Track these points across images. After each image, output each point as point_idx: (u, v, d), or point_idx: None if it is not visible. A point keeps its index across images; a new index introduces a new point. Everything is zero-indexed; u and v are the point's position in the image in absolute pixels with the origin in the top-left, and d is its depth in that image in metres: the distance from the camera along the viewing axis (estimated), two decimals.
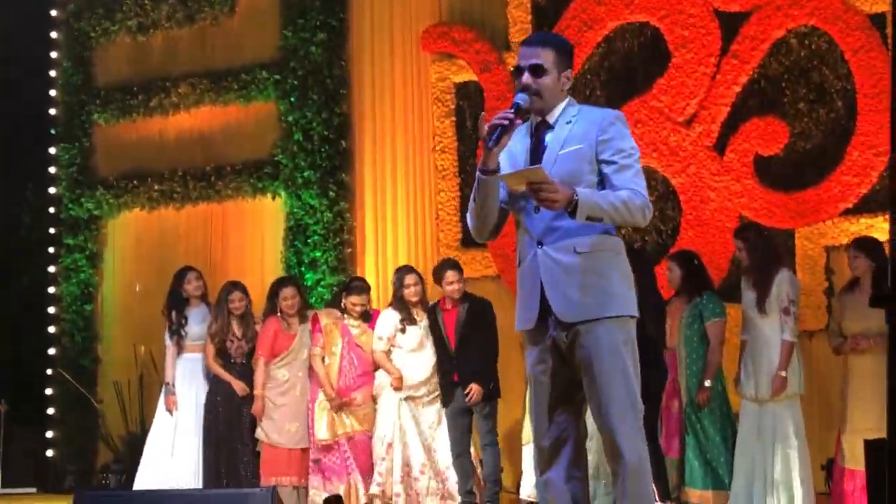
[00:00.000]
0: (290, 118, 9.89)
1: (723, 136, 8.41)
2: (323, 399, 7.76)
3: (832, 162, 8.07)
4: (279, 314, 7.97)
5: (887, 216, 7.80)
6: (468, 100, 9.39)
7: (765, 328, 6.92)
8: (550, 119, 4.03)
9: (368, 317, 8.00)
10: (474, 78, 9.31)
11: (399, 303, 7.75)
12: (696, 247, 8.20)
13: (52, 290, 10.84)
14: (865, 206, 7.95)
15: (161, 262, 10.32)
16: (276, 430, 7.86)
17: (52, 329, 10.78)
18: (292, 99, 9.90)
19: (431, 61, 9.52)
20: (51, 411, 10.71)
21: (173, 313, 8.22)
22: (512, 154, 4.03)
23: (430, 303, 7.82)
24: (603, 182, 3.92)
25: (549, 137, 3.99)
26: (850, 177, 7.97)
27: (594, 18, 8.82)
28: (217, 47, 10.51)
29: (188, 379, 8.18)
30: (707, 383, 7.01)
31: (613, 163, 3.91)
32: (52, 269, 10.88)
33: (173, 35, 10.70)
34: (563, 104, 4.05)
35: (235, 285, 8.18)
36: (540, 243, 3.94)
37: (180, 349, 8.18)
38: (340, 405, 7.71)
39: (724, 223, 8.30)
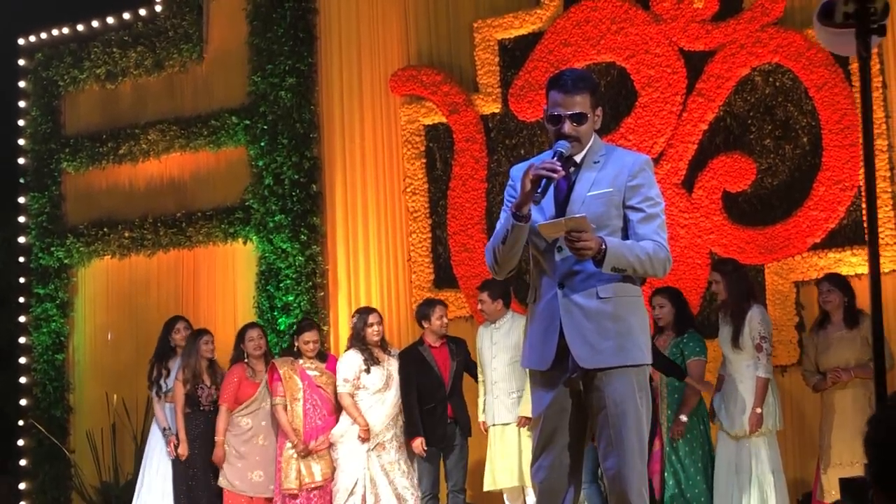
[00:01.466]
0: (261, 163, 9.90)
1: (690, 174, 8.48)
2: (289, 448, 7.74)
3: (799, 197, 8.15)
4: (245, 360, 8.00)
5: (855, 250, 7.88)
6: (438, 142, 9.43)
7: (739, 364, 6.95)
8: (577, 157, 4.03)
9: (324, 357, 8.04)
10: (443, 120, 9.36)
11: (361, 343, 7.72)
12: (666, 283, 8.24)
13: (22, 340, 10.76)
14: (833, 241, 8.02)
15: (133, 309, 10.31)
16: (238, 477, 7.89)
17: (23, 379, 10.69)
18: (262, 144, 9.91)
19: (401, 104, 9.57)
20: (23, 462, 10.60)
21: (154, 365, 8.35)
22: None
23: (389, 345, 7.93)
24: (626, 226, 3.95)
25: (575, 177, 3.99)
26: (818, 212, 8.05)
27: (561, 59, 8.90)
28: (186, 94, 10.53)
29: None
30: (682, 418, 7.02)
31: (641, 210, 3.95)
32: (22, 318, 10.80)
33: (142, 82, 10.72)
34: (589, 142, 4.05)
35: (205, 331, 8.33)
36: (561, 285, 3.95)
37: (159, 398, 8.31)
38: (307, 452, 7.68)
39: (694, 259, 8.35)
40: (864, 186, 2.88)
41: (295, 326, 8.34)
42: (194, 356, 8.14)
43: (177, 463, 8.11)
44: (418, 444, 7.51)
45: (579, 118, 3.97)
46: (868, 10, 2.84)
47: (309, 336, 7.90)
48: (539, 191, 3.79)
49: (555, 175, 3.78)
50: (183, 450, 8.04)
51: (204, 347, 8.17)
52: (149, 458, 8.36)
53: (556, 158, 3.84)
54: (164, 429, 8.22)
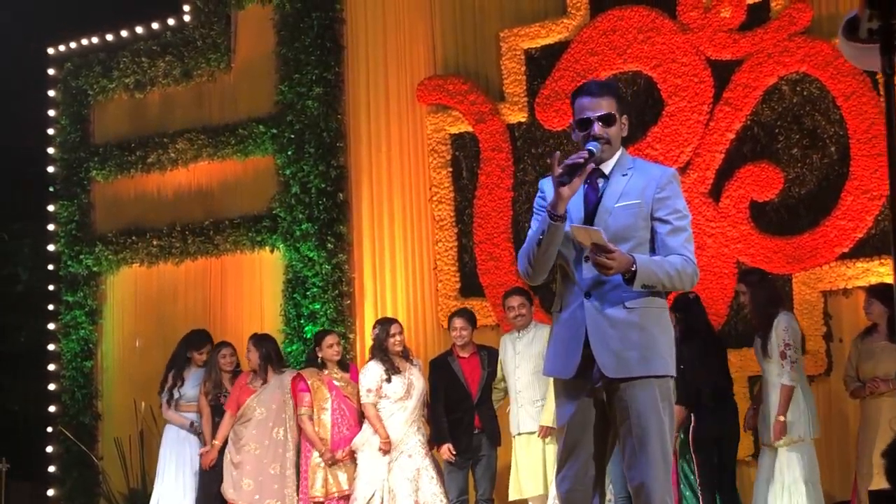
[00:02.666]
0: (288, 171, 9.94)
1: (718, 183, 8.46)
2: (316, 457, 7.80)
3: (827, 207, 8.11)
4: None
5: (883, 260, 7.84)
6: (464, 150, 9.45)
7: (770, 373, 6.97)
8: (605, 168, 4.07)
9: (346, 366, 8.14)
10: (470, 129, 9.38)
11: (382, 353, 7.78)
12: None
13: (51, 347, 10.84)
14: (861, 251, 7.98)
15: (160, 317, 10.37)
16: (232, 485, 8.02)
17: (52, 386, 10.77)
18: (289, 152, 9.96)
19: (427, 113, 9.59)
20: (52, 469, 10.67)
21: (172, 374, 8.55)
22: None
23: (411, 353, 8.02)
24: (653, 238, 3.98)
25: (604, 188, 4.02)
26: (846, 221, 8.01)
27: (587, 69, 8.90)
28: (214, 103, 10.59)
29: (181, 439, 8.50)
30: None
31: (668, 223, 3.98)
32: (51, 326, 10.88)
33: (170, 92, 10.79)
34: (617, 154, 4.09)
35: (224, 344, 8.54)
36: (588, 294, 3.97)
37: (170, 406, 8.53)
38: (334, 461, 7.74)
39: (721, 269, 8.33)
40: (889, 200, 2.86)
41: (315, 338, 8.39)
42: (215, 369, 8.38)
43: (210, 470, 8.25)
44: (445, 449, 7.55)
45: (608, 119, 4.02)
46: (893, 25, 2.82)
47: (331, 339, 8.03)
48: (565, 177, 3.84)
49: (581, 161, 3.84)
50: (213, 456, 8.20)
51: (222, 361, 8.39)
52: (166, 466, 8.50)
53: (588, 154, 3.90)
54: (192, 423, 8.41)
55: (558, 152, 4.03)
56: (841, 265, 8.04)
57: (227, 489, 8.03)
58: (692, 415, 7.04)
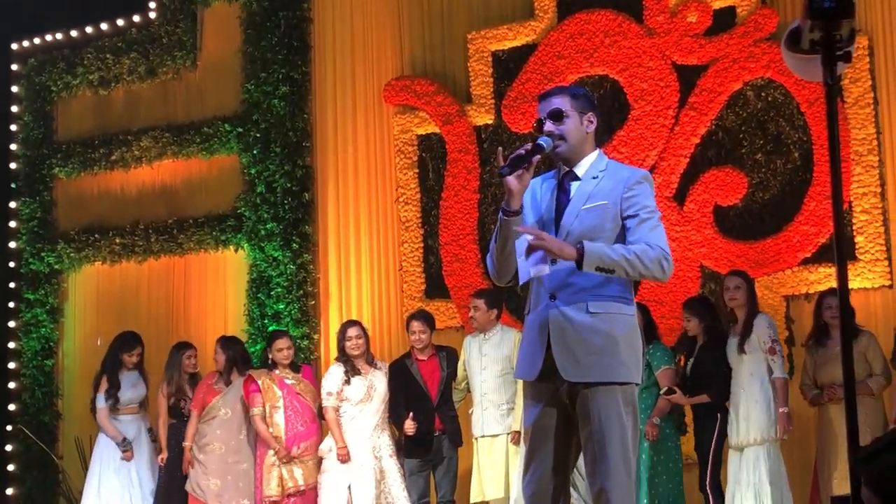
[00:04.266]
0: (253, 171, 9.90)
1: (682, 187, 8.51)
2: (271, 455, 7.79)
3: (790, 212, 8.18)
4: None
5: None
6: (430, 152, 9.45)
7: (741, 372, 7.00)
8: (578, 171, 4.06)
9: (297, 367, 8.14)
10: (437, 130, 9.38)
11: (342, 355, 7.81)
12: (657, 297, 8.29)
13: (12, 345, 10.73)
14: (824, 256, 8.05)
15: (123, 316, 10.26)
16: (198, 482, 8.05)
17: (12, 384, 10.66)
18: (255, 152, 9.91)
19: (394, 113, 9.59)
20: (11, 468, 10.55)
21: (107, 378, 8.48)
22: (536, 201, 4.06)
23: (374, 357, 7.99)
24: (624, 237, 3.96)
25: (574, 190, 4.01)
26: (809, 226, 8.08)
27: (554, 71, 8.93)
28: (179, 101, 10.52)
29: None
30: (655, 420, 7.06)
31: (634, 216, 3.95)
32: (12, 323, 10.77)
33: (135, 89, 10.71)
34: (592, 156, 4.09)
35: (187, 345, 8.55)
36: (553, 297, 3.96)
37: (116, 410, 8.47)
38: (290, 458, 7.74)
39: (685, 273, 8.38)
40: (833, 207, 2.89)
41: (268, 339, 8.41)
42: (177, 370, 8.35)
43: (163, 470, 8.28)
44: (408, 424, 7.52)
45: (556, 115, 4.02)
46: (834, 37, 2.84)
47: (282, 343, 8.05)
48: (506, 169, 3.86)
49: (523, 153, 3.86)
50: (164, 456, 8.24)
51: (186, 362, 8.39)
52: (102, 467, 8.46)
53: (531, 146, 3.91)
54: (124, 439, 8.35)
55: (501, 147, 4.07)
56: (804, 270, 8.10)
57: (194, 487, 8.03)
58: (719, 415, 7.08)
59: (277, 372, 8.00)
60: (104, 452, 8.47)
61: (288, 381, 7.97)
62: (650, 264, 3.86)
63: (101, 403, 8.43)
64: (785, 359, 7.02)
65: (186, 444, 8.11)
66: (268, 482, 7.78)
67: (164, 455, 8.27)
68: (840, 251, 3.04)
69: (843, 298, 3.00)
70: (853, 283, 7.82)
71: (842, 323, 3.12)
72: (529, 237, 3.83)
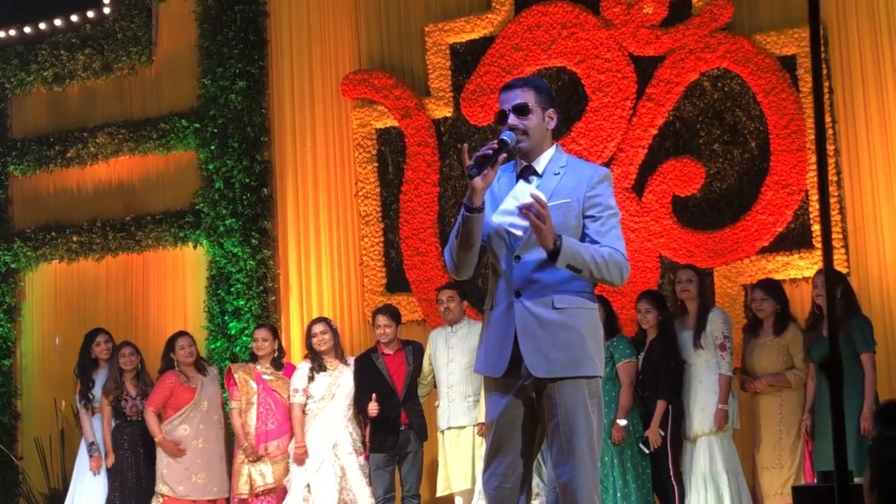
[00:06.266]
0: (211, 166, 9.84)
1: (640, 178, 8.54)
2: (240, 454, 7.82)
3: (748, 201, 8.23)
4: (176, 367, 8.07)
5: (802, 254, 7.98)
6: (390, 145, 9.43)
7: (697, 366, 7.07)
8: (537, 166, 4.06)
9: (280, 365, 8.11)
10: (395, 124, 9.36)
11: (310, 352, 7.84)
12: (618, 288, 8.29)
13: None
14: (781, 245, 8.11)
15: (81, 314, 10.20)
16: (180, 482, 7.93)
17: None
18: (212, 147, 9.84)
19: (352, 107, 9.55)
20: None
21: (79, 378, 8.48)
22: (495, 196, 4.04)
23: (343, 352, 7.97)
24: (584, 237, 3.96)
25: (536, 186, 3.99)
26: (766, 216, 8.14)
27: (512, 64, 8.93)
28: (135, 97, 10.44)
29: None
30: (621, 422, 7.09)
31: (598, 219, 3.96)
32: None
33: (90, 85, 10.62)
34: (550, 151, 4.09)
35: (126, 343, 8.48)
36: (518, 293, 3.96)
37: (88, 410, 8.39)
38: (256, 457, 7.72)
39: (644, 264, 8.41)
40: (819, 192, 2.90)
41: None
42: (115, 369, 8.31)
43: (110, 474, 8.22)
44: (372, 406, 7.48)
45: (521, 109, 4.01)
46: None
47: (258, 333, 8.04)
48: (474, 169, 3.83)
49: (490, 153, 3.84)
50: (109, 461, 8.17)
51: (122, 360, 8.30)
52: (80, 472, 8.41)
53: (498, 144, 3.89)
54: (91, 443, 8.31)
55: (465, 144, 4.06)
56: (761, 259, 8.16)
57: (175, 486, 7.92)
58: (670, 407, 7.11)
59: (258, 367, 7.97)
60: (81, 457, 8.47)
61: (265, 377, 7.95)
62: (613, 270, 3.91)
63: (78, 404, 8.45)
64: (732, 357, 7.11)
65: (157, 437, 7.97)
66: (237, 481, 7.80)
67: (110, 460, 8.18)
68: (826, 241, 3.05)
69: (830, 286, 3.04)
70: (808, 272, 7.88)
71: (828, 310, 3.14)
72: (531, 216, 3.75)
